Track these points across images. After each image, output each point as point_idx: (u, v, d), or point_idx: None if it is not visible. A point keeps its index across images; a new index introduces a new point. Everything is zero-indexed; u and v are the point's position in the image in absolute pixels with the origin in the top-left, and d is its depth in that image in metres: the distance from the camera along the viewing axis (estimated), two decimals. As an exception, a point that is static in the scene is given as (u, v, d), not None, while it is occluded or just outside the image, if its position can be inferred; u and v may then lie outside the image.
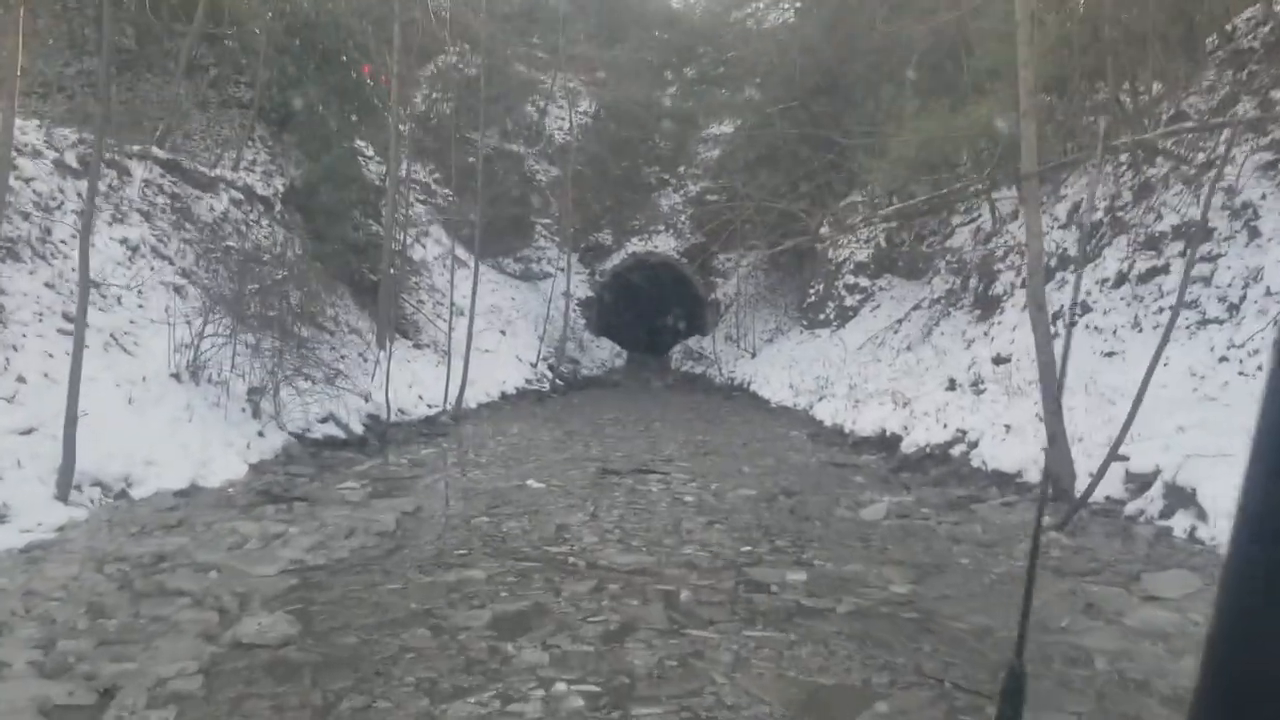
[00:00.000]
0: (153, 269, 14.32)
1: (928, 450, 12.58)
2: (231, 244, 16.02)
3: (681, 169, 34.83)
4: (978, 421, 12.29)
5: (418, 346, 21.41)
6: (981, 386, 13.55)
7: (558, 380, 25.69)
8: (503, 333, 26.25)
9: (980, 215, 22.72)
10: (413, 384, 17.87)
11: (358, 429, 14.01)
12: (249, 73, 21.69)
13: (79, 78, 20.67)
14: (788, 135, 28.12)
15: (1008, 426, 11.62)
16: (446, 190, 30.98)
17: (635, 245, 33.69)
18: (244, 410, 12.01)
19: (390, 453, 13.75)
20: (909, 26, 18.38)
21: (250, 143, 21.16)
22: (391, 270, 21.06)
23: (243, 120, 21.13)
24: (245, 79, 22.12)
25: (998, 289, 18.63)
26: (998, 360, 14.61)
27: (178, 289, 14.24)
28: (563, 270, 29.59)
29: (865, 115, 24.55)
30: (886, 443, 14.04)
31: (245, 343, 12.73)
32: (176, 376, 11.54)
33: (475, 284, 20.35)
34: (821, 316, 26.58)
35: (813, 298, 27.50)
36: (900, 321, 22.69)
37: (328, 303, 19.31)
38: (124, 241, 14.24)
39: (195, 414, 10.96)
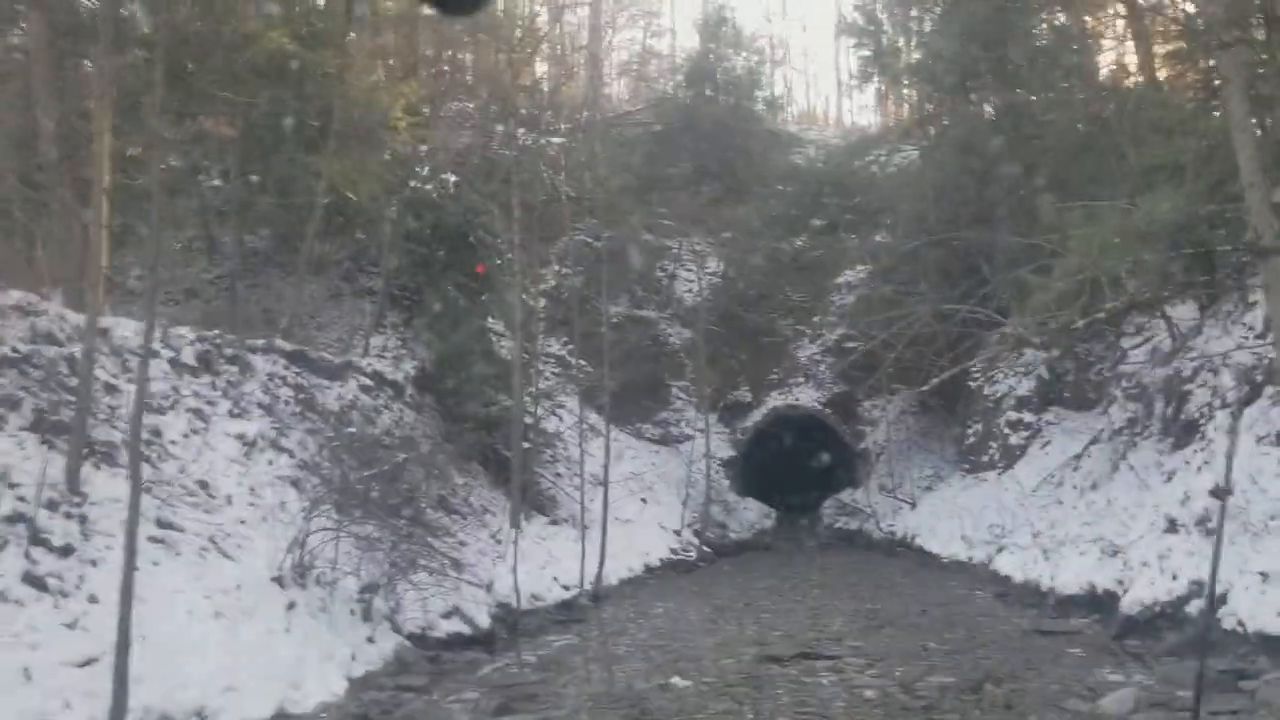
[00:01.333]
0: (270, 463, 13.26)
1: (1156, 610, 10.01)
2: (353, 429, 14.93)
3: (816, 318, 33.12)
4: (1219, 570, 9.69)
5: (554, 523, 19.79)
6: (1210, 525, 10.93)
7: (704, 547, 23.57)
8: (644, 500, 24.45)
9: (1156, 334, 20.10)
10: (547, 564, 16.14)
11: (484, 622, 12.26)
12: (379, 261, 21.35)
13: (217, 283, 20.66)
14: (926, 271, 26.29)
15: (1263, 575, 9.04)
16: (580, 361, 30.02)
17: (775, 399, 31.80)
18: (353, 613, 10.46)
19: (521, 647, 11.94)
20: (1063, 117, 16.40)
21: (380, 329, 20.58)
22: (525, 445, 19.74)
23: (372, 306, 20.63)
24: (376, 269, 21.82)
25: (1191, 412, 15.96)
26: (1217, 493, 11.96)
27: (295, 483, 13.09)
28: (702, 431, 27.84)
29: (1015, 236, 22.57)
30: (1099, 602, 11.44)
31: (357, 535, 11.31)
32: (279, 581, 10.12)
33: (608, 450, 18.74)
34: (985, 458, 23.88)
35: (972, 439, 24.87)
36: (1078, 458, 19.92)
37: (458, 484, 18.01)
38: (240, 437, 13.26)
39: (295, 623, 9.45)
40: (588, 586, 16.06)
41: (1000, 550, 17.47)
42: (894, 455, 28.70)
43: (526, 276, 22.03)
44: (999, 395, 24.07)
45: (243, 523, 11.40)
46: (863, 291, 30.73)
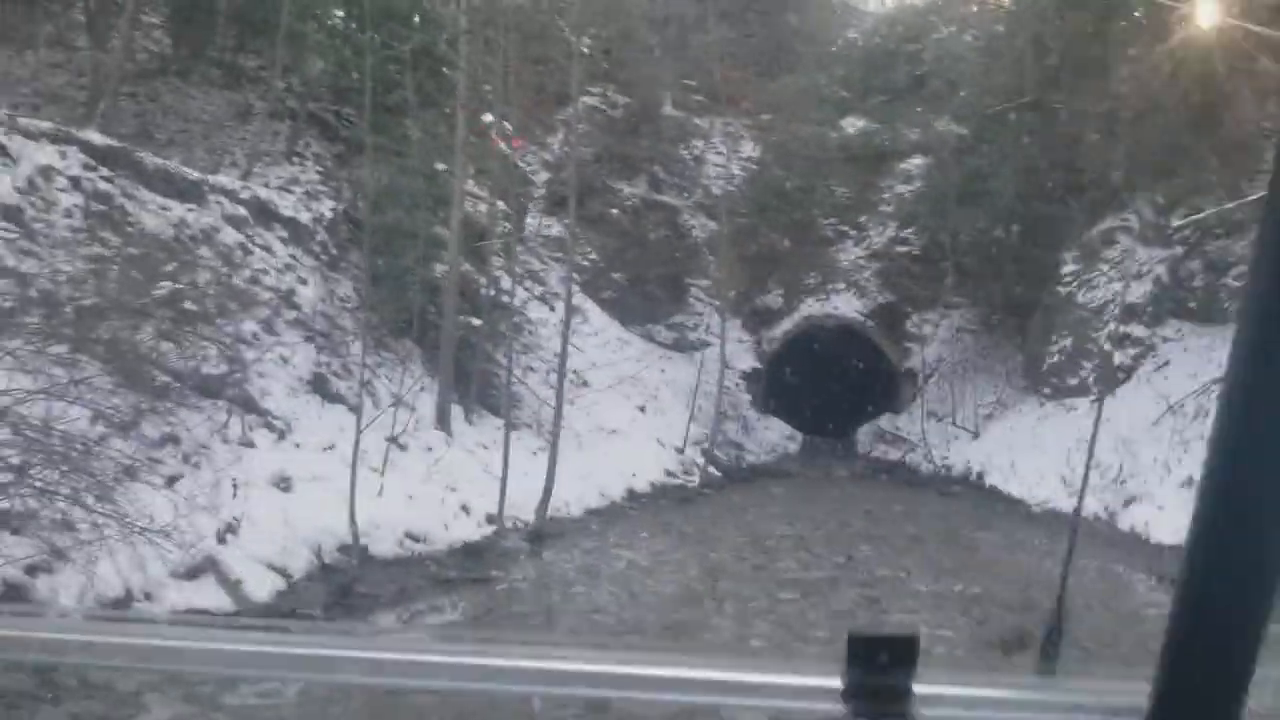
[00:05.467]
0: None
1: None
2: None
3: (863, 218, 26.28)
4: None
5: (512, 427, 13.60)
6: None
7: (711, 469, 17.31)
8: (641, 410, 18.23)
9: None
10: (466, 484, 9.94)
11: (264, 590, 6.09)
12: (299, 72, 14.97)
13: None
14: (1008, 154, 19.48)
15: None
16: (585, 247, 23.65)
17: (810, 307, 25.23)
18: None
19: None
20: None
21: (297, 159, 14.27)
22: (475, 321, 13.46)
23: (288, 127, 14.31)
24: (305, 87, 15.43)
25: None
26: None
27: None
28: (720, 338, 21.42)
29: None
30: None
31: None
32: None
33: (566, 330, 12.26)
34: (1073, 381, 17.31)
35: (1056, 358, 18.25)
36: (1218, 383, 13.29)
37: (361, 362, 11.85)
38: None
39: None
40: (521, 521, 9.87)
41: (1129, 501, 11.08)
42: (947, 377, 22.23)
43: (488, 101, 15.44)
44: (1097, 304, 17.41)
45: None
46: (924, 182, 23.92)
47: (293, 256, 11.91)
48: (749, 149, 26.85)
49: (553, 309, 20.08)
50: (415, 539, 8.07)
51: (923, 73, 24.03)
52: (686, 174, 26.08)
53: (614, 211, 24.29)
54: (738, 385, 23.13)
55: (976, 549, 9.78)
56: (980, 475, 16.34)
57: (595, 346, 20.22)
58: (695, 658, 0.77)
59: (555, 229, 22.89)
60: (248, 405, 8.44)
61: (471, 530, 8.96)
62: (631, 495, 13.63)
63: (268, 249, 11.42)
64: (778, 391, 24.28)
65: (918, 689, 0.65)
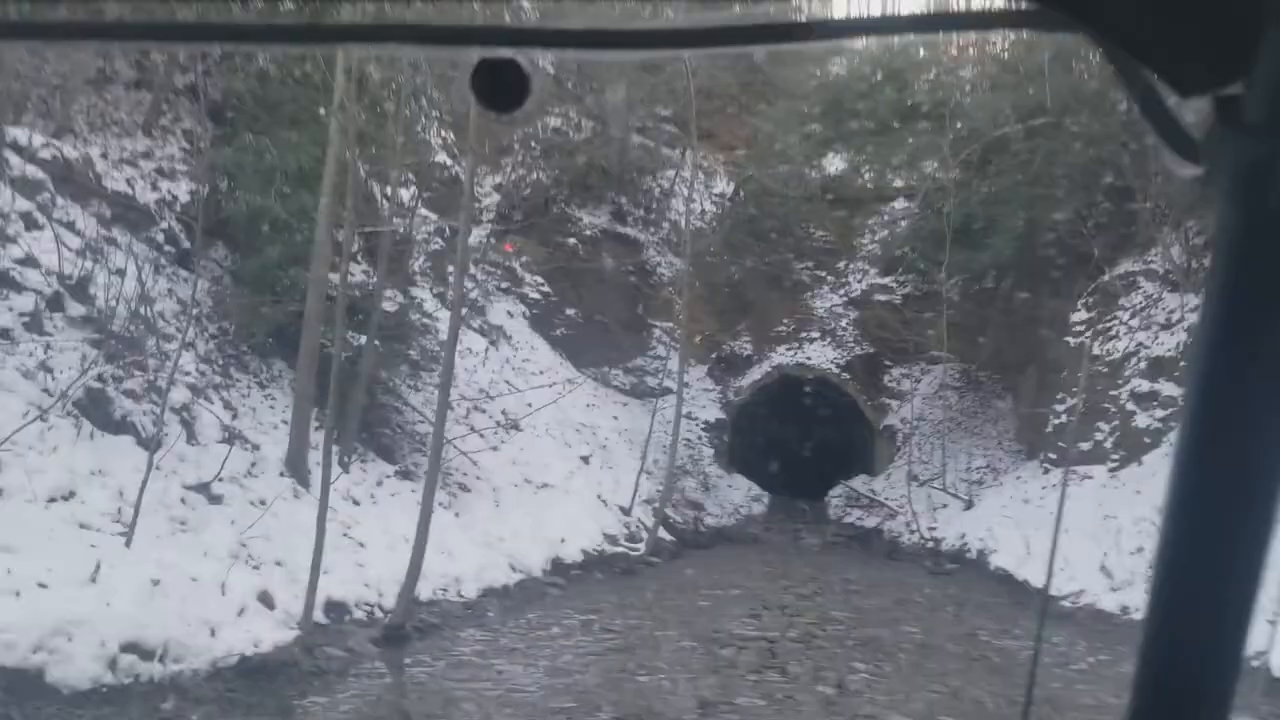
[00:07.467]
0: None
1: None
2: None
3: (842, 263, 23.52)
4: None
5: (403, 475, 10.27)
6: None
7: (662, 534, 13.99)
8: (585, 460, 14.97)
9: None
10: (286, 559, 6.62)
11: None
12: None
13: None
14: (1013, 183, 16.76)
15: None
16: (538, 278, 20.65)
17: (782, 356, 22.30)
18: None
19: None
20: None
21: (160, 132, 11.09)
22: (360, 340, 10.19)
23: (149, 97, 11.13)
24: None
25: None
26: None
27: None
28: (686, 386, 18.19)
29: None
30: None
31: None
32: None
33: (453, 341, 8.79)
34: (1087, 447, 14.27)
35: (1063, 419, 15.27)
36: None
37: (203, 386, 8.54)
38: None
39: None
40: (380, 608, 6.55)
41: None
42: (931, 437, 19.24)
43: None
44: (1118, 355, 14.50)
45: None
46: (913, 223, 21.19)
47: (111, 240, 8.66)
48: (722, 185, 24.10)
49: (493, 342, 16.97)
50: (146, 654, 4.73)
51: (914, 101, 21.32)
52: (653, 207, 23.20)
53: (571, 241, 21.31)
54: (700, 438, 20.07)
55: (1014, 671, 6.56)
56: (982, 554, 13.15)
57: (540, 388, 17.05)
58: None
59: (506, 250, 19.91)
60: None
61: (272, 631, 5.61)
62: (556, 567, 10.30)
63: (69, 225, 8.17)
64: (744, 446, 21.16)
65: None
